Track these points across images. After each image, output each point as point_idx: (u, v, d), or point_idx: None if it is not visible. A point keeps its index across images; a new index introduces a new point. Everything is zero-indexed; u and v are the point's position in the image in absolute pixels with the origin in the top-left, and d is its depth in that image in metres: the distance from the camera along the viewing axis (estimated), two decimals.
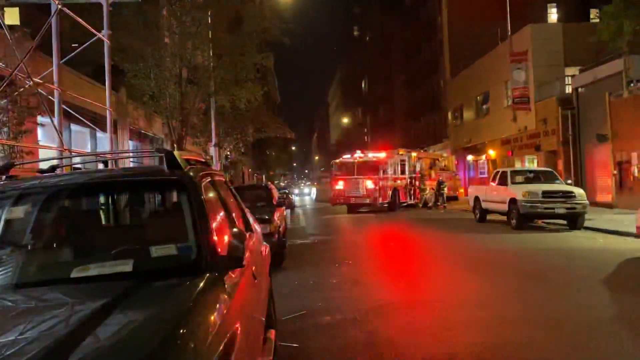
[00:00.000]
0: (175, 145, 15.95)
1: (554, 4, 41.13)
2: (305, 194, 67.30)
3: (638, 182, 18.68)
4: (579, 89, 24.49)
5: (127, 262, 2.81)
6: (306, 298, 7.52)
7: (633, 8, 13.75)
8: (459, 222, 19.43)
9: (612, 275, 8.61)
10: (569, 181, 18.31)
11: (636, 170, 19.77)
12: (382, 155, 28.43)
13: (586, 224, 15.38)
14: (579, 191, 15.89)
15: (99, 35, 10.54)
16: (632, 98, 19.73)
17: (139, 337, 2.01)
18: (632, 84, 19.88)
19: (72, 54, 9.96)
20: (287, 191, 39.44)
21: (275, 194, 15.30)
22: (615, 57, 20.69)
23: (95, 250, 3.27)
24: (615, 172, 21.23)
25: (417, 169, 30.28)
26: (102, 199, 4.20)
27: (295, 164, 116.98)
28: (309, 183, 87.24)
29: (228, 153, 25.33)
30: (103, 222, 4.07)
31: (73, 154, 9.79)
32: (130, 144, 17.55)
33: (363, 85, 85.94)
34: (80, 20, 9.86)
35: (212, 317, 2.31)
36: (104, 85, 11.19)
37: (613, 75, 21.19)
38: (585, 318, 6.06)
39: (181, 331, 2.04)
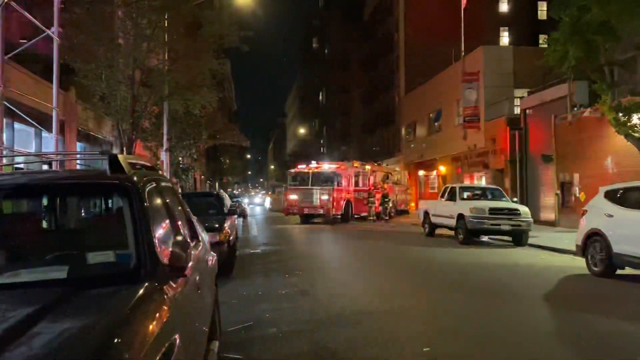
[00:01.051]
0: (124, 148, 15.51)
1: (506, 28, 42.86)
2: (256, 204, 66.64)
3: (579, 202, 19.48)
4: (527, 111, 25.44)
5: (61, 269, 2.70)
6: (253, 309, 7.43)
7: (577, 36, 14.41)
8: (409, 236, 19.72)
9: (552, 291, 8.92)
10: (515, 199, 18.91)
11: (577, 191, 20.65)
12: (336, 166, 28.61)
13: (530, 241, 15.92)
14: (524, 209, 16.46)
15: (48, 32, 10.18)
16: (575, 122, 20.63)
17: (70, 347, 1.92)
18: (575, 109, 20.80)
19: (18, 49, 9.60)
20: (239, 200, 39.07)
21: (227, 202, 15.13)
22: (560, 82, 21.62)
23: (29, 255, 3.13)
24: (558, 191, 22.10)
25: (371, 181, 30.62)
26: (40, 202, 4.02)
27: (250, 173, 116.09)
28: (263, 192, 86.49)
29: (180, 159, 24.85)
30: (40, 226, 3.90)
31: (15, 153, 9.38)
32: (78, 146, 16.95)
33: (321, 97, 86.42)
34: (28, 15, 9.50)
35: (150, 327, 2.24)
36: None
37: (558, 99, 22.13)
38: (524, 332, 6.23)
39: (115, 341, 1.97)
